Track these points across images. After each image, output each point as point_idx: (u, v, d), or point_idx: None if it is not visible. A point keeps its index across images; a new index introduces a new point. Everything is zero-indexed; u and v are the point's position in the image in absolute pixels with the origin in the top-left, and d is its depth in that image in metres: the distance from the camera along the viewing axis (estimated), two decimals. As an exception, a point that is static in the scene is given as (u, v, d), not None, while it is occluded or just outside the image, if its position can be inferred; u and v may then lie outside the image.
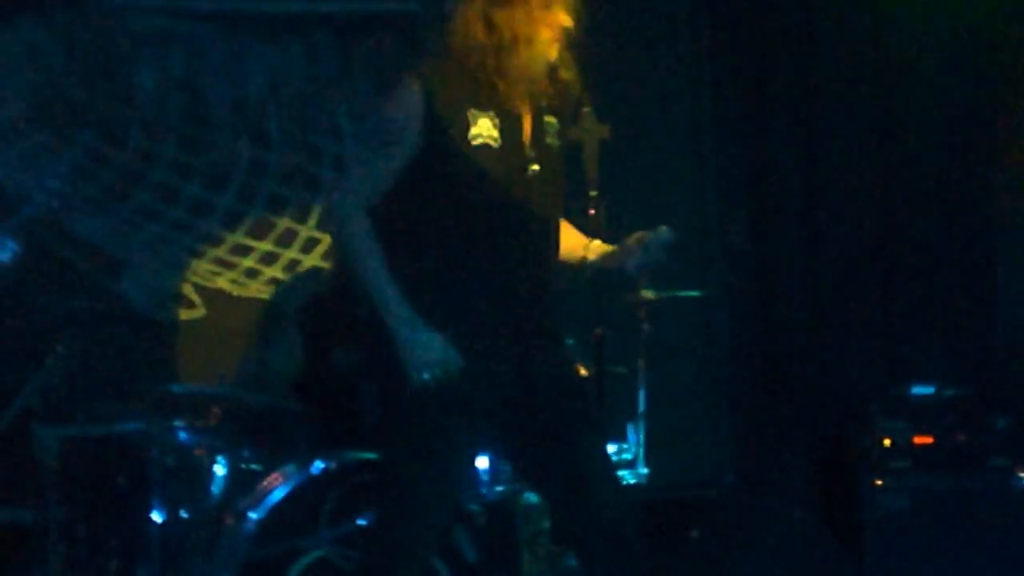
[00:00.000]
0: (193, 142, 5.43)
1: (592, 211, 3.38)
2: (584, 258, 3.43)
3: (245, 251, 5.46)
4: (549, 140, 3.33)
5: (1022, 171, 5.49)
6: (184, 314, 5.40)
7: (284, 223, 5.47)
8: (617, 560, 3.29)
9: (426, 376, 3.19)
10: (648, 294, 4.40)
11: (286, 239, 5.48)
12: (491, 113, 3.24)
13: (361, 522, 4.00)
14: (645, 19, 5.60)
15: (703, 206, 5.69)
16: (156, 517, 4.20)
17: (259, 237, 5.46)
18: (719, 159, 5.71)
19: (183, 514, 4.23)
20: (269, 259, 5.46)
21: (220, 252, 5.44)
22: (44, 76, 5.33)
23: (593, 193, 3.39)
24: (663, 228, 3.33)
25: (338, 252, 3.45)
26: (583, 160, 3.39)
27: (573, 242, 3.43)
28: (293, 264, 5.44)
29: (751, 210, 5.67)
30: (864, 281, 5.59)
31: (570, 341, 4.27)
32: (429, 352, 3.18)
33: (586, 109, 3.40)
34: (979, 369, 5.35)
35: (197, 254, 5.41)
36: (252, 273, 5.47)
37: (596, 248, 3.42)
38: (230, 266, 5.45)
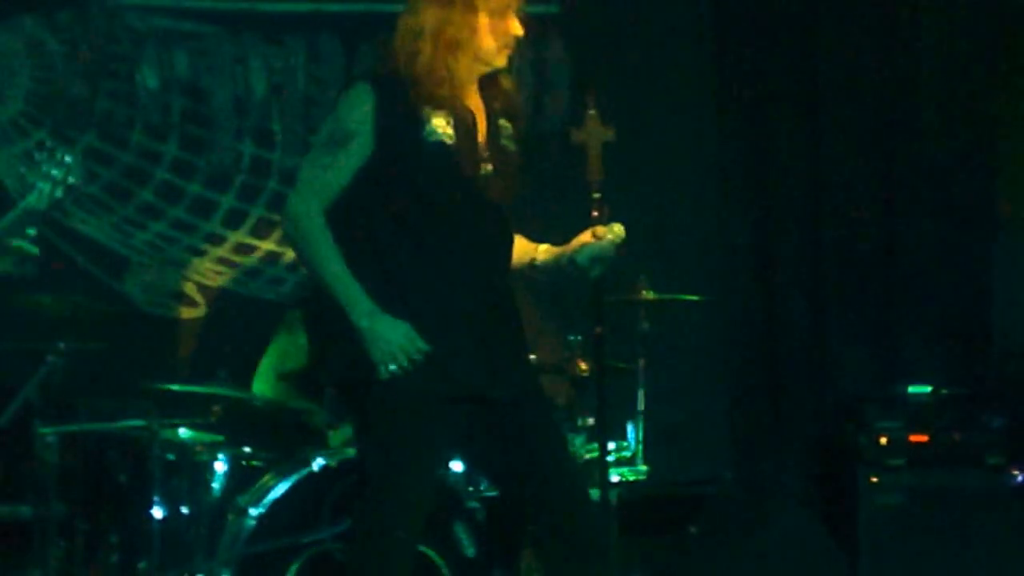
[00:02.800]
0: (195, 141, 5.44)
1: (595, 213, 3.38)
2: (533, 259, 3.42)
3: (247, 250, 5.47)
4: (504, 142, 3.34)
5: (1018, 174, 5.52)
6: (186, 312, 5.42)
7: (286, 222, 5.48)
8: (579, 565, 3.27)
9: (393, 367, 3.19)
10: (649, 295, 4.42)
11: (284, 237, 5.48)
12: (445, 111, 3.25)
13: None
14: (649, 21, 5.61)
15: (706, 207, 5.71)
16: (157, 513, 4.21)
17: (261, 236, 5.48)
18: (722, 161, 5.72)
19: (184, 510, 4.25)
20: (271, 258, 5.48)
21: (222, 251, 5.45)
22: (47, 75, 5.34)
23: (596, 195, 3.39)
24: (616, 223, 3.34)
25: (295, 252, 3.45)
26: (587, 162, 3.40)
27: (522, 247, 3.43)
28: (295, 263, 5.44)
29: (752, 211, 5.69)
30: (862, 281, 5.62)
31: (575, 337, 4.32)
32: (392, 343, 3.18)
33: (591, 111, 3.41)
34: (974, 369, 5.37)
35: (199, 253, 5.42)
36: (254, 272, 5.48)
37: (545, 249, 3.42)
38: (232, 265, 5.46)
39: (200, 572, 4.16)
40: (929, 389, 5.09)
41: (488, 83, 3.33)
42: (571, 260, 3.37)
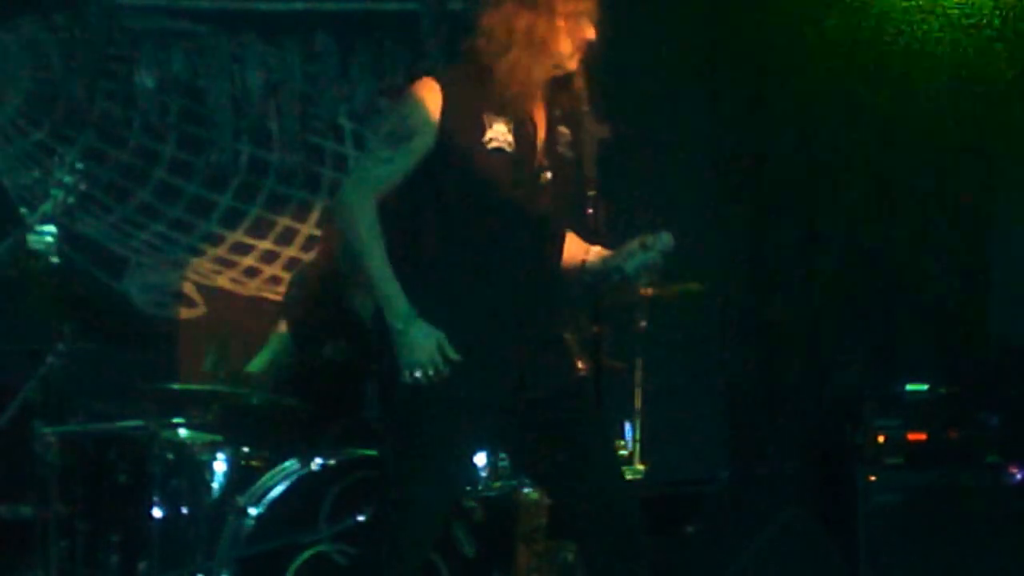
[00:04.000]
0: (193, 141, 5.45)
1: (590, 211, 3.39)
2: (584, 262, 3.44)
3: (246, 249, 5.48)
4: (561, 150, 3.35)
5: (1014, 173, 5.53)
6: (185, 312, 5.43)
7: (284, 222, 5.50)
8: (623, 554, 3.30)
9: (418, 374, 3.20)
10: (647, 290, 4.41)
11: (286, 238, 5.50)
12: (507, 118, 3.27)
13: (360, 518, 4.01)
14: (645, 19, 5.62)
15: (702, 206, 5.72)
16: (156, 513, 4.22)
17: (259, 236, 5.49)
18: (718, 159, 5.73)
19: (183, 510, 4.25)
20: (269, 257, 5.48)
21: (220, 251, 5.46)
22: (45, 76, 5.35)
23: (591, 193, 3.40)
24: (665, 233, 3.36)
25: (345, 242, 3.45)
26: (582, 160, 3.41)
27: (573, 247, 3.45)
28: (293, 262, 5.46)
29: (749, 209, 5.70)
30: (859, 280, 5.63)
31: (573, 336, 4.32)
32: (423, 351, 3.19)
33: (586, 109, 3.42)
34: (972, 367, 5.38)
35: (198, 253, 5.44)
36: (252, 271, 5.49)
37: (596, 252, 3.43)
38: (231, 264, 5.47)
39: (200, 572, 4.15)
40: (927, 387, 5.10)
41: (552, 89, 3.33)
42: (619, 268, 3.38)
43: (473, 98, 3.25)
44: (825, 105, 5.65)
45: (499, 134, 3.26)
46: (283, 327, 4.83)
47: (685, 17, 5.72)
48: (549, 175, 3.31)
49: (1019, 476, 4.90)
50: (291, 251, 5.49)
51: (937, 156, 5.57)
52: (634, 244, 3.36)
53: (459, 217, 3.26)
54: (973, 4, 5.47)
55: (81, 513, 4.27)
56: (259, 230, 5.47)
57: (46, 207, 3.74)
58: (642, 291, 4.37)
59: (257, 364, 4.79)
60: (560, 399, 3.32)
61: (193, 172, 5.44)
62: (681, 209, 5.63)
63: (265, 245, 5.49)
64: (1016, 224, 5.49)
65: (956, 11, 5.48)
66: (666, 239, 3.35)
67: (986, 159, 5.58)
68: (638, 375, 4.49)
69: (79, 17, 5.38)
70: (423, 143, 3.24)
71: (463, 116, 3.24)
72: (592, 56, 3.31)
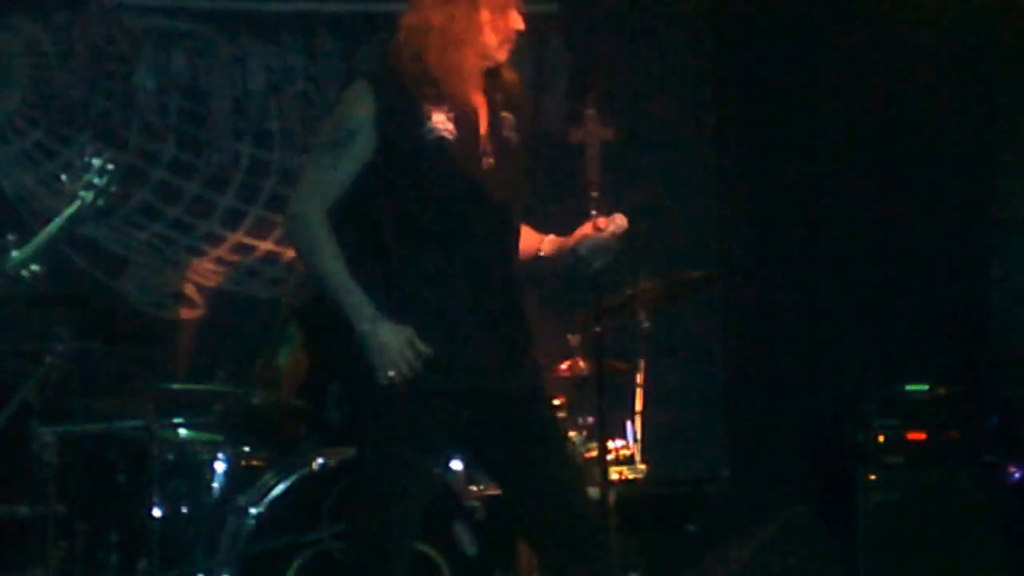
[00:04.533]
0: (194, 142, 5.45)
1: (594, 212, 3.40)
2: (539, 251, 3.45)
3: (246, 250, 5.48)
4: (507, 134, 3.35)
5: (1015, 172, 5.54)
6: (185, 313, 5.42)
7: (286, 223, 5.49)
8: (580, 558, 3.28)
9: (392, 373, 3.21)
10: (648, 288, 4.43)
11: (287, 238, 5.49)
12: (445, 107, 3.27)
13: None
14: (649, 20, 5.62)
15: (703, 207, 5.72)
16: (156, 513, 4.22)
17: (260, 236, 5.48)
18: (720, 161, 5.74)
19: (184, 510, 4.25)
20: (270, 258, 5.48)
21: (221, 251, 5.46)
22: (44, 75, 5.34)
23: (595, 194, 3.41)
24: (618, 215, 3.36)
25: (299, 256, 3.44)
26: (586, 161, 3.42)
27: (529, 239, 3.45)
28: (294, 263, 5.45)
29: (750, 210, 5.71)
30: (859, 280, 5.64)
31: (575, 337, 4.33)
32: (394, 350, 3.20)
33: (590, 111, 3.43)
34: (971, 367, 5.40)
35: (198, 253, 5.43)
36: (253, 272, 5.49)
37: (550, 241, 3.45)
38: (231, 265, 5.47)
39: (200, 572, 4.16)
40: (926, 387, 5.13)
41: (490, 76, 3.34)
42: (573, 251, 3.38)
43: (409, 92, 3.26)
44: (826, 106, 5.65)
45: (439, 123, 3.26)
46: (294, 327, 4.84)
47: (688, 15, 5.73)
48: (493, 161, 3.30)
49: (1018, 475, 4.92)
50: (292, 252, 5.47)
51: (939, 156, 5.57)
52: (587, 227, 3.37)
53: (409, 210, 3.26)
54: (973, 3, 5.49)
55: (80, 513, 4.26)
56: (260, 231, 5.47)
57: (71, 210, 3.71)
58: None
59: (283, 358, 4.79)
60: (517, 397, 3.31)
61: (193, 172, 5.44)
62: (682, 211, 5.64)
63: (266, 246, 5.48)
64: (1017, 224, 5.51)
65: (957, 11, 5.50)
66: (620, 220, 3.36)
67: (988, 159, 5.59)
68: (640, 375, 4.50)
69: (78, 17, 5.37)
70: (363, 144, 3.25)
71: (401, 110, 3.26)
72: (595, 56, 3.33)
